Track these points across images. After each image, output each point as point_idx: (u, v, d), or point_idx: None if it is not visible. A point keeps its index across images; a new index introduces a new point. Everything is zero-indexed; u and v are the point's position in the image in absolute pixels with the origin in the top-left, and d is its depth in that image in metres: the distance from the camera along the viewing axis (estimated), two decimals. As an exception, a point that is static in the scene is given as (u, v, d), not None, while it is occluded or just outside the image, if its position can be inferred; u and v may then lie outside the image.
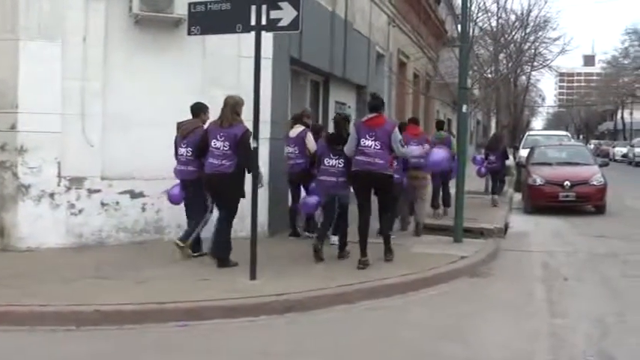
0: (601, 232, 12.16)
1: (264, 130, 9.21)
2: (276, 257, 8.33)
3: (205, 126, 8.21)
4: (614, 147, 50.58)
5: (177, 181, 8.44)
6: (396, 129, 8.34)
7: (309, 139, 9.80)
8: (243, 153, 7.66)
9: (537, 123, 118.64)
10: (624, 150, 45.71)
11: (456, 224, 10.08)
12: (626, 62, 56.61)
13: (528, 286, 7.83)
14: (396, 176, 8.90)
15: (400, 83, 19.92)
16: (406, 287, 7.34)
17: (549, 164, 16.30)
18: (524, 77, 36.93)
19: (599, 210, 15.03)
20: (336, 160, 8.49)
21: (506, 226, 12.40)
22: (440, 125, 13.47)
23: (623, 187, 21.12)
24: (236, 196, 7.86)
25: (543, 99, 66.53)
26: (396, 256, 8.55)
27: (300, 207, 9.48)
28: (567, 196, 14.82)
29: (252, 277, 7.05)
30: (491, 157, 15.80)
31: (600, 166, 16.35)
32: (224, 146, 7.76)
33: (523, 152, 18.99)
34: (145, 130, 9.37)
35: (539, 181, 15.13)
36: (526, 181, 15.65)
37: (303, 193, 9.76)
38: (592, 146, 59.79)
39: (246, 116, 8.47)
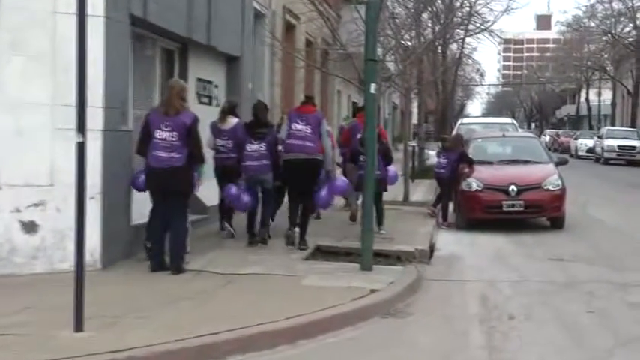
0: (558, 253, 12.60)
1: (95, 119, 9.22)
2: (113, 297, 8.28)
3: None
4: (576, 138, 52.74)
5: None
6: (324, 119, 12.08)
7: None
8: (194, 143, 9.66)
9: (474, 107, 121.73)
10: (589, 143, 47.58)
11: (363, 246, 10.15)
12: (592, 25, 58.74)
13: (461, 328, 8.01)
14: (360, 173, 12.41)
15: (287, 54, 19.97)
16: (295, 334, 7.41)
17: (489, 163, 16.59)
18: (455, 45, 37.70)
19: (556, 224, 15.54)
20: (257, 144, 11.52)
21: (432, 248, 12.72)
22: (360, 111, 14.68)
23: (587, 192, 22.11)
24: (188, 191, 9.92)
25: (482, 75, 68.56)
26: (282, 292, 8.81)
27: (226, 198, 12.00)
28: (513, 206, 15.15)
29: (78, 327, 6.89)
30: (442, 160, 16.43)
31: (557, 164, 16.79)
32: (171, 137, 9.50)
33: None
34: None
35: (475, 186, 15.43)
36: (459, 186, 15.89)
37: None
38: (547, 138, 61.94)
39: (60, 99, 8.64)
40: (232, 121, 12.18)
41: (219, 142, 12.31)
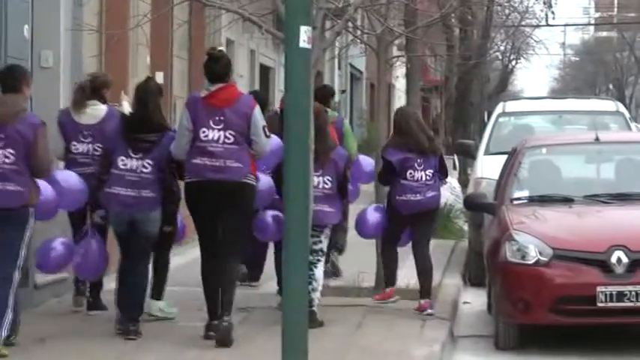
0: None
1: None
2: None
3: None
4: None
5: None
6: (257, 108, 11.13)
7: None
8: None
9: (534, 78, 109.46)
10: None
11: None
12: None
13: None
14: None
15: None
16: None
17: (565, 202, 13.98)
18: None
19: None
20: (138, 160, 10.94)
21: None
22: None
23: None
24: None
25: (550, 6, 55.96)
26: None
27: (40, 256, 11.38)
28: (623, 297, 12.55)
29: None
30: (417, 173, 14.46)
31: None
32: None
33: (487, 165, 16.88)
34: None
35: (534, 253, 12.78)
36: (497, 255, 13.21)
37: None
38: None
39: None
40: (100, 109, 11.75)
41: (77, 147, 11.82)
